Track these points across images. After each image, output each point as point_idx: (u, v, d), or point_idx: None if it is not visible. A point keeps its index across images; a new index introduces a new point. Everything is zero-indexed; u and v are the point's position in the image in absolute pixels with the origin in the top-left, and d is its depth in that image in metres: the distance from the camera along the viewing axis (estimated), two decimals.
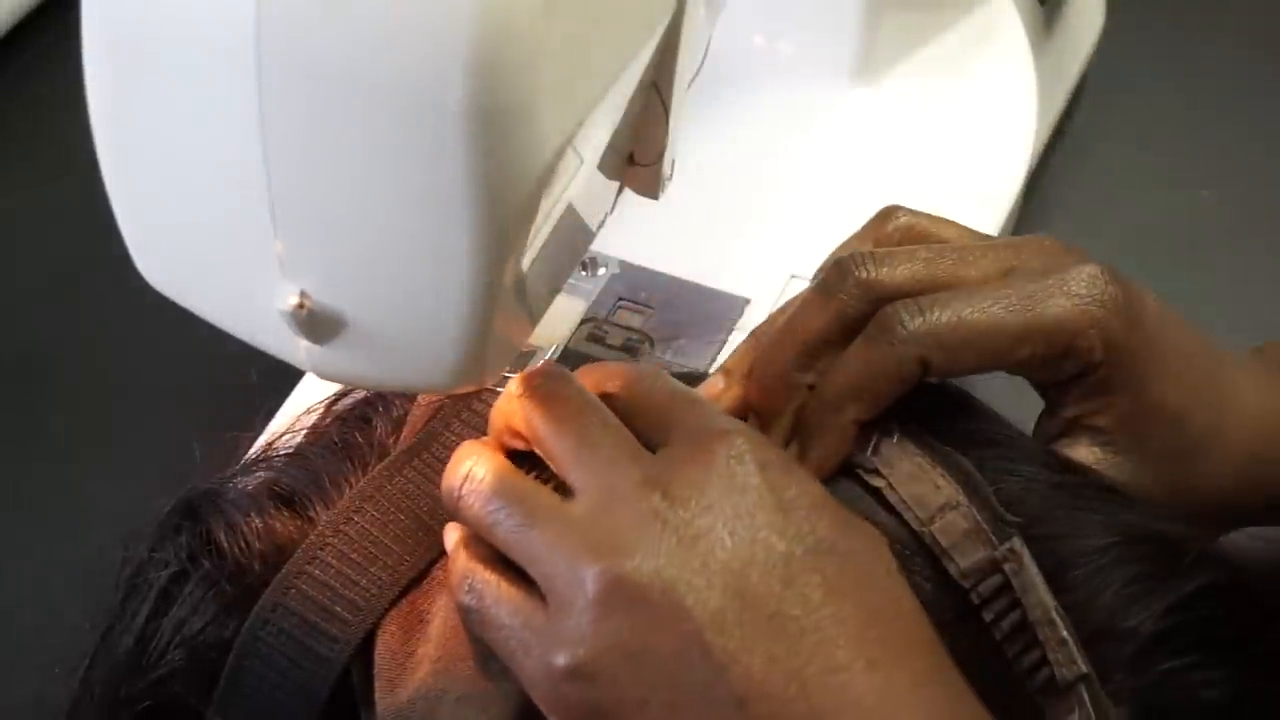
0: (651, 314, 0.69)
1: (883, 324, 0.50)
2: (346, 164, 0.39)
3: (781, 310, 0.54)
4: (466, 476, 0.47)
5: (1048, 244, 0.53)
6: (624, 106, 0.47)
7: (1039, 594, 0.46)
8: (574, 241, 0.50)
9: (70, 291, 0.84)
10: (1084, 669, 0.45)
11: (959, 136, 0.82)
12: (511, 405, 0.48)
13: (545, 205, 0.45)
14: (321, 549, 0.50)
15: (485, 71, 0.37)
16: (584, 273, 0.71)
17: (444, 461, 0.51)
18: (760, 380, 0.52)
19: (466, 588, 0.46)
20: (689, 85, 0.50)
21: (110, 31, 0.40)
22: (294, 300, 0.42)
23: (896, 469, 0.49)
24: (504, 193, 0.40)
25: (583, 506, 0.45)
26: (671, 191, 0.51)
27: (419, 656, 0.48)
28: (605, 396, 0.48)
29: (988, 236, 0.54)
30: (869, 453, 0.49)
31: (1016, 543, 0.47)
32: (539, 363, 0.56)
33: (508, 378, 0.51)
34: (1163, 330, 0.52)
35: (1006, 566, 0.46)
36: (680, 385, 0.50)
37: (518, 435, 0.48)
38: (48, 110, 0.86)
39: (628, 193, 0.52)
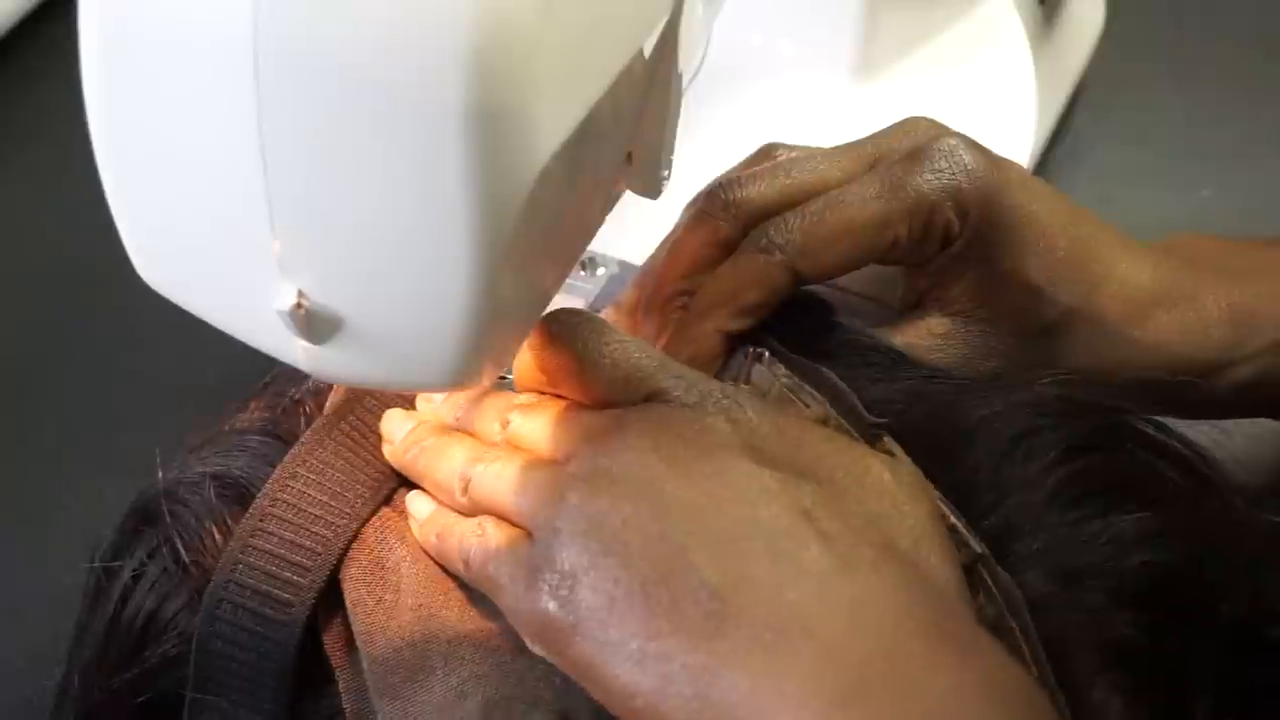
0: None
1: (752, 239, 0.51)
2: (344, 163, 0.39)
3: (662, 244, 0.55)
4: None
5: (909, 125, 0.53)
6: (622, 106, 0.47)
7: None
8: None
9: (69, 291, 0.84)
10: (977, 550, 0.44)
11: None
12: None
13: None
14: (263, 520, 0.50)
15: (482, 70, 0.37)
16: (583, 272, 0.71)
17: (369, 423, 0.52)
18: (647, 309, 0.53)
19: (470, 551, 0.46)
20: (688, 84, 0.50)
21: (107, 32, 0.40)
22: (292, 300, 0.41)
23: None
24: (502, 192, 0.39)
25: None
26: (671, 191, 0.51)
27: (391, 605, 0.48)
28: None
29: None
30: (742, 380, 0.49)
31: (887, 441, 0.46)
32: None
33: (505, 378, 0.51)
34: (1027, 201, 0.51)
35: None
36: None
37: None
38: (48, 110, 0.86)
39: (627, 192, 0.52)
